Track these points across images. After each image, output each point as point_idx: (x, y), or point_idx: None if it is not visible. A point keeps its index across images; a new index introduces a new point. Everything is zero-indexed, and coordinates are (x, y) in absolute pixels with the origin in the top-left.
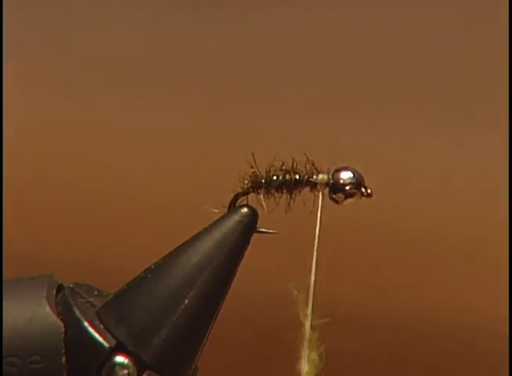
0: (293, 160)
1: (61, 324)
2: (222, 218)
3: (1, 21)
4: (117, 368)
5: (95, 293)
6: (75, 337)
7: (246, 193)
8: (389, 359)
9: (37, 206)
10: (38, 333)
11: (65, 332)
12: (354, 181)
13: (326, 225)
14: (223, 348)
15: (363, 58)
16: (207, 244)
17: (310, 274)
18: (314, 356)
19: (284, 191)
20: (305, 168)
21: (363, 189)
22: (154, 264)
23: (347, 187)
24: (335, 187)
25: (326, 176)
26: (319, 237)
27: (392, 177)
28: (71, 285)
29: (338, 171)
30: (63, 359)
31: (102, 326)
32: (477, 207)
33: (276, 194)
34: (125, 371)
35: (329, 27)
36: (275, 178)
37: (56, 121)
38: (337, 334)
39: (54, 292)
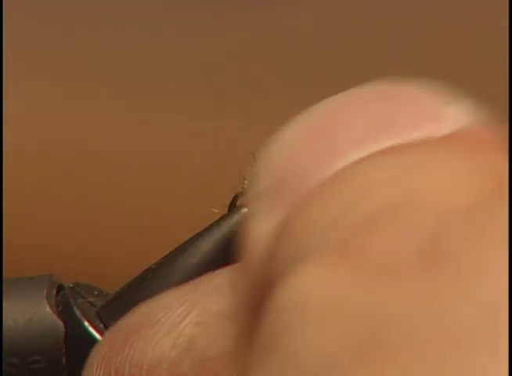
0: None
1: (61, 324)
2: (222, 218)
3: (1, 21)
4: None
5: (95, 293)
6: (75, 337)
7: (246, 193)
8: None
9: (36, 206)
10: (38, 333)
11: (65, 332)
12: None
13: None
14: None
15: (365, 59)
16: (207, 244)
17: None
18: None
19: None
20: None
21: None
22: (154, 264)
23: None
24: None
25: None
26: None
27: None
28: (71, 285)
29: None
30: (64, 359)
31: (102, 326)
32: None
33: None
34: None
35: (329, 28)
36: None
37: (58, 123)
38: None
39: (54, 292)
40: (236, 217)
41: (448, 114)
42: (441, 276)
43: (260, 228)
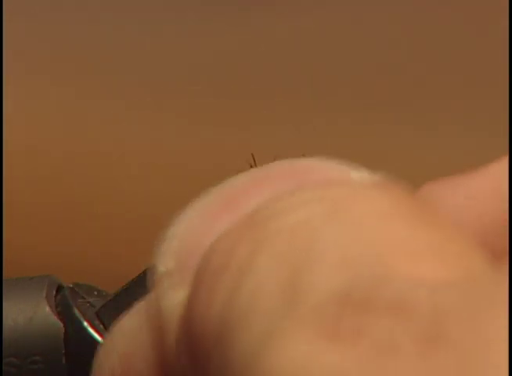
0: None
1: (61, 324)
2: None
3: (1, 21)
4: None
5: (95, 293)
6: (75, 337)
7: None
8: None
9: (36, 206)
10: (38, 333)
11: (65, 332)
12: None
13: None
14: None
15: (364, 60)
16: None
17: None
18: None
19: None
20: None
21: None
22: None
23: None
24: None
25: None
26: None
27: (393, 176)
28: (71, 285)
29: None
30: (63, 359)
31: (102, 326)
32: None
33: None
34: None
35: (329, 28)
36: None
37: (58, 123)
38: None
39: (54, 292)
40: None
41: (357, 178)
42: (442, 359)
43: (170, 302)
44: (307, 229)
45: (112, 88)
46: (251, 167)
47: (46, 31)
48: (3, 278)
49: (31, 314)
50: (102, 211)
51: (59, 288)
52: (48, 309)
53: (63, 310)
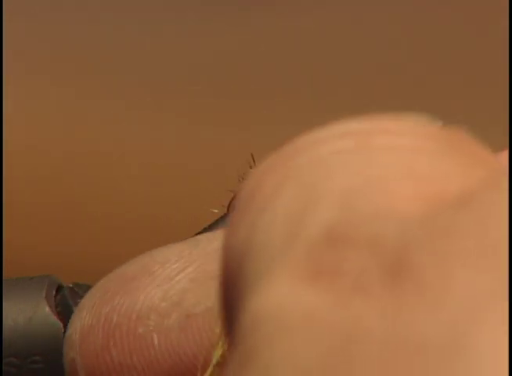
0: None
1: (61, 324)
2: (222, 218)
3: (1, 21)
4: None
5: None
6: None
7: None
8: None
9: (36, 206)
10: (38, 333)
11: (65, 332)
12: None
13: None
14: None
15: (364, 60)
16: None
17: None
18: None
19: None
20: None
21: None
22: None
23: None
24: None
25: None
26: None
27: None
28: (71, 285)
29: None
30: (63, 359)
31: None
32: None
33: None
34: None
35: (329, 28)
36: None
37: (58, 123)
38: None
39: (53, 292)
40: None
41: (409, 126)
42: (408, 293)
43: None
44: (334, 161)
45: (112, 88)
46: (251, 167)
47: (46, 31)
48: (3, 278)
49: (31, 314)
50: (102, 211)
51: (59, 288)
52: (47, 309)
53: (63, 310)
